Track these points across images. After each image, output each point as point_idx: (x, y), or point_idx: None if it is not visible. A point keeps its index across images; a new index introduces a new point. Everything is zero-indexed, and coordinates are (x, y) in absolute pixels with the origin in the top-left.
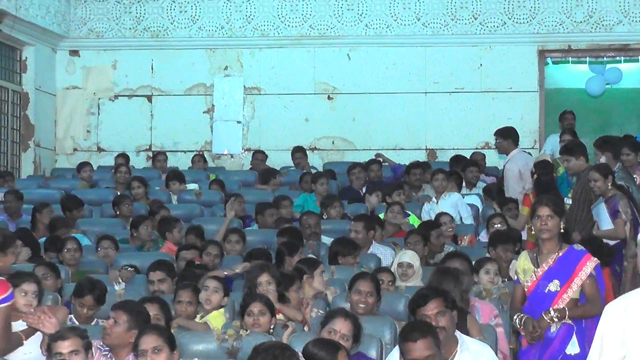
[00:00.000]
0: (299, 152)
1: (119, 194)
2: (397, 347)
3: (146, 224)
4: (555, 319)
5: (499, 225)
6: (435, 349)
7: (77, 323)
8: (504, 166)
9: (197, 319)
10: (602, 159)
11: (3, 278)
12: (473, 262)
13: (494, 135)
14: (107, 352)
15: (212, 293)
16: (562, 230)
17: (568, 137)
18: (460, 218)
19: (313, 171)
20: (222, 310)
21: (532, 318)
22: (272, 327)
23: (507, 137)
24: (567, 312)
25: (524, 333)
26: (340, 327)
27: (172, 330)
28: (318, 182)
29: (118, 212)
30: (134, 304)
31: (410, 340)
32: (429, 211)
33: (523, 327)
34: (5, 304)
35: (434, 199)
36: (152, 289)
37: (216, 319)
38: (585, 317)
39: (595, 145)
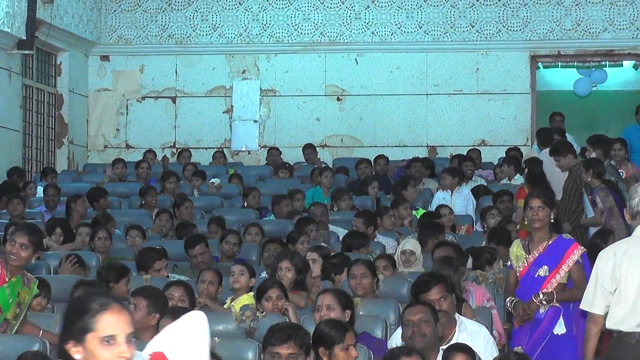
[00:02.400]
0: (308, 149)
1: (143, 185)
2: (399, 328)
3: (163, 216)
4: (544, 302)
5: (494, 218)
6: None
7: None
8: None
9: (228, 302)
10: (593, 155)
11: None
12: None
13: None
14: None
15: (238, 276)
16: (552, 221)
17: (557, 137)
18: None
19: (323, 166)
20: (251, 293)
21: (522, 301)
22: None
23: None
24: (555, 296)
25: (515, 315)
26: (322, 300)
27: (197, 308)
28: (323, 175)
29: (143, 202)
30: (152, 289)
31: (409, 306)
32: (441, 199)
33: (514, 310)
34: None
35: (448, 190)
36: (145, 277)
37: (246, 301)
38: (572, 301)
39: (589, 142)
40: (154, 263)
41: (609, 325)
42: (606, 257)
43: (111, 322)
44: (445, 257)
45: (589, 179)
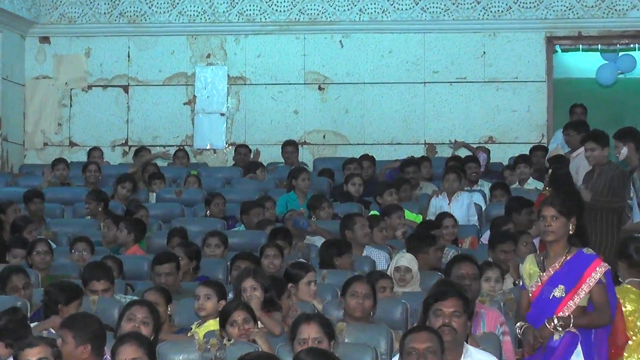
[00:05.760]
0: (290, 146)
1: (89, 190)
2: (394, 358)
3: (118, 226)
4: (559, 328)
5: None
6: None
7: None
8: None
9: (194, 327)
10: (624, 150)
11: None
12: None
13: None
14: None
15: (204, 301)
16: (571, 232)
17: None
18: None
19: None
20: (218, 319)
21: (533, 328)
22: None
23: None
24: (572, 320)
25: (524, 343)
26: (308, 333)
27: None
28: (299, 178)
29: (88, 210)
30: (79, 318)
31: (414, 331)
32: (439, 207)
33: (523, 337)
34: None
35: (444, 194)
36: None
37: (212, 327)
38: (591, 327)
39: (616, 137)
40: (89, 282)
41: None
42: None
43: None
44: (446, 282)
45: None
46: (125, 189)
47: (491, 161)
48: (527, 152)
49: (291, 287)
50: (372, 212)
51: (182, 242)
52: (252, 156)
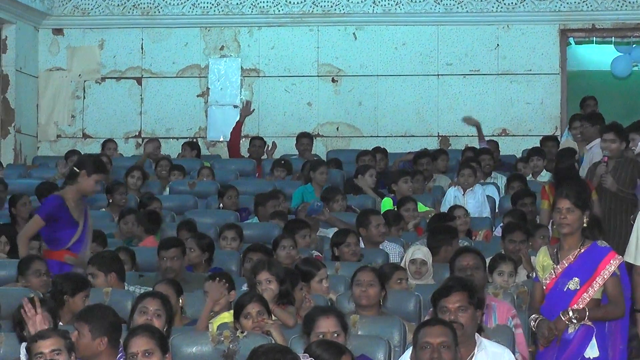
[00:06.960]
0: (305, 138)
1: (109, 183)
2: (407, 351)
3: (128, 219)
4: (574, 320)
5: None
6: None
7: None
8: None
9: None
10: None
11: None
12: (487, 260)
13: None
14: None
15: None
16: (585, 225)
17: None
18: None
19: (316, 159)
20: (232, 310)
21: (547, 320)
22: None
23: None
24: (587, 313)
25: (539, 335)
26: (327, 327)
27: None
28: (317, 171)
29: (111, 201)
30: (96, 310)
31: (428, 325)
32: (454, 196)
33: (537, 329)
34: None
35: (460, 187)
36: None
37: (226, 319)
38: (606, 319)
39: (631, 129)
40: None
41: None
42: None
43: None
44: (456, 279)
45: None
46: (134, 177)
47: (505, 153)
48: (539, 144)
49: (303, 286)
50: (384, 200)
51: (195, 234)
52: (270, 148)
